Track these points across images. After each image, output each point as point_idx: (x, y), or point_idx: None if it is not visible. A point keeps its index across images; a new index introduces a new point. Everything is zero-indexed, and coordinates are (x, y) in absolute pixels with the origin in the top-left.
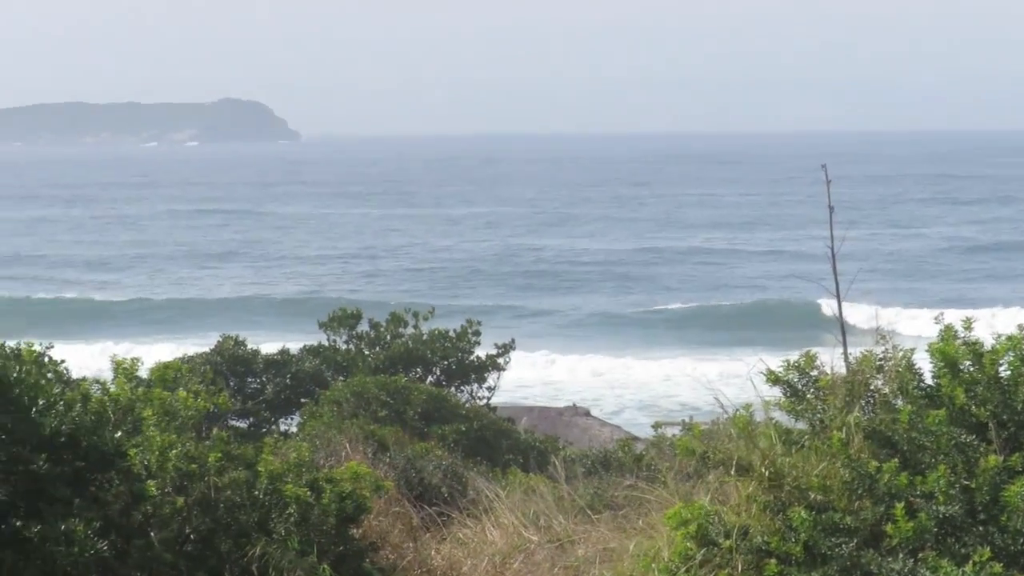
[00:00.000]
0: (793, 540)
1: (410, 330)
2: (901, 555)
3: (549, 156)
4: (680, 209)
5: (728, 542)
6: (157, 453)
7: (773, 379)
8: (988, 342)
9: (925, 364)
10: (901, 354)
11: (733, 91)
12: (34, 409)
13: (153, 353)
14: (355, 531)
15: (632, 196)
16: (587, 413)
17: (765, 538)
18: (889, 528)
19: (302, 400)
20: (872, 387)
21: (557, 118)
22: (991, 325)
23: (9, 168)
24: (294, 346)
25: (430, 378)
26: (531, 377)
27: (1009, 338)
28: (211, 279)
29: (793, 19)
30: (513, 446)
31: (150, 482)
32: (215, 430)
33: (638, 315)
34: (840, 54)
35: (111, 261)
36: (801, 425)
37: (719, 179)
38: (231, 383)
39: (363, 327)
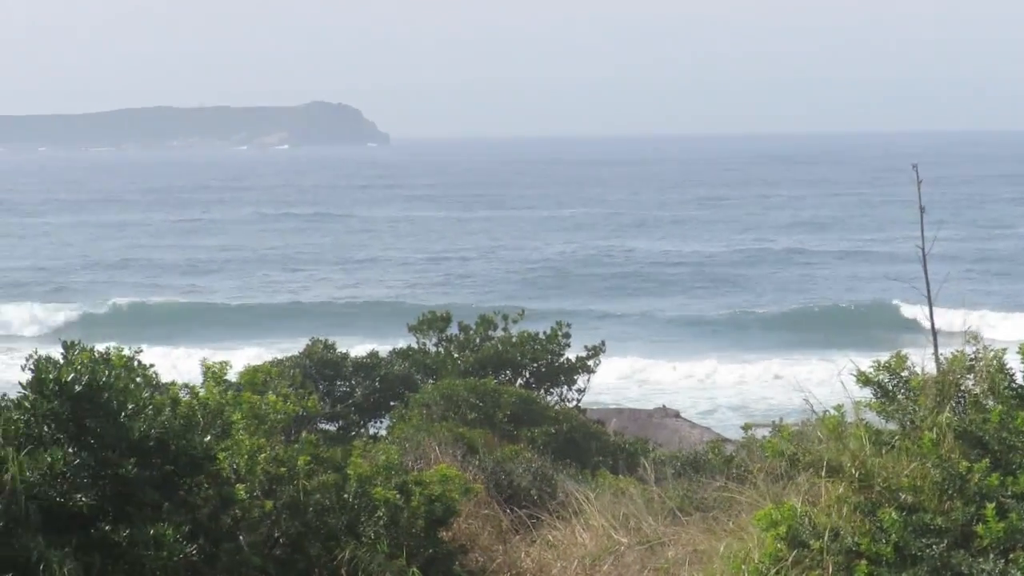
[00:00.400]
0: (883, 541)
1: (499, 333)
2: (992, 556)
3: (633, 158)
4: (766, 211)
5: (818, 543)
6: (246, 457)
7: (863, 380)
8: None
9: (1016, 365)
10: (992, 354)
11: (818, 90)
12: (123, 413)
13: (243, 357)
14: (444, 534)
15: (718, 197)
16: (677, 415)
17: (855, 539)
18: (980, 529)
19: (391, 403)
20: (963, 387)
21: (645, 119)
22: None
23: (98, 172)
24: (383, 349)
25: (519, 381)
26: (621, 379)
27: None
28: (301, 283)
29: (886, 20)
30: (603, 448)
31: (239, 486)
32: (304, 433)
33: (727, 317)
34: (929, 54)
35: (200, 265)
36: (891, 426)
37: (805, 180)
38: (320, 386)
39: (452, 330)
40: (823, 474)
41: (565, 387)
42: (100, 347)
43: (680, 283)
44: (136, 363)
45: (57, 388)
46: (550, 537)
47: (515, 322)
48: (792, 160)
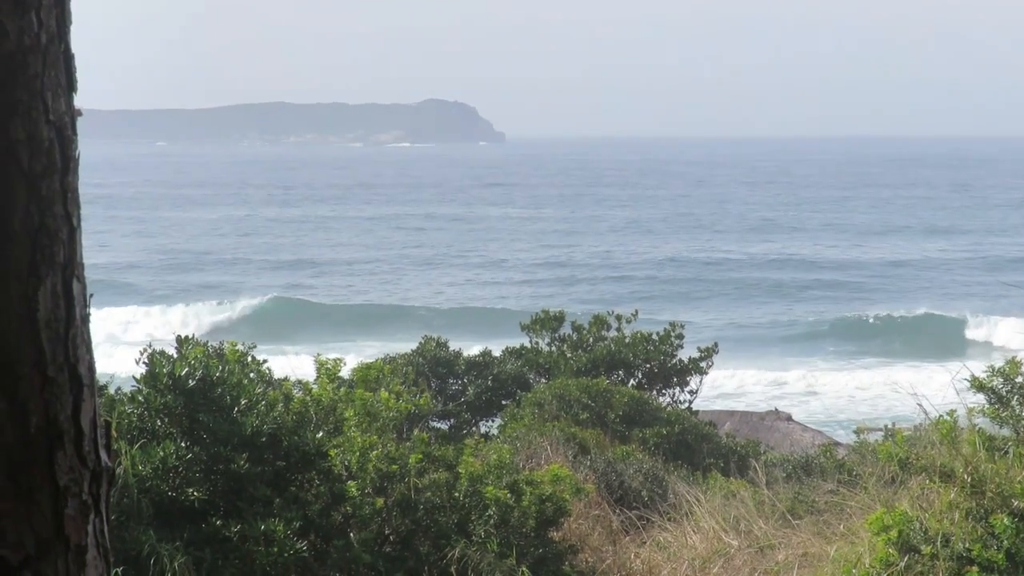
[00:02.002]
0: (995, 547)
1: (612, 333)
2: None
3: (750, 159)
4: (895, 215)
5: (930, 549)
6: (358, 454)
7: (977, 385)
8: None
9: None
10: None
11: (950, 93)
12: (236, 409)
13: (359, 357)
14: (555, 534)
15: (842, 199)
16: (789, 418)
17: (967, 545)
18: None
19: (503, 402)
20: None
21: (757, 120)
22: None
23: (220, 166)
24: (496, 348)
25: (632, 381)
26: (735, 382)
27: None
28: (419, 282)
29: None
30: (714, 450)
31: (350, 483)
32: (416, 431)
33: (842, 322)
34: None
35: (325, 263)
36: (1005, 431)
37: (937, 183)
38: (432, 384)
39: (566, 329)
40: (935, 479)
41: (677, 388)
42: (213, 343)
43: (797, 288)
44: (250, 358)
45: (171, 382)
46: (660, 538)
47: (628, 322)
48: (924, 163)
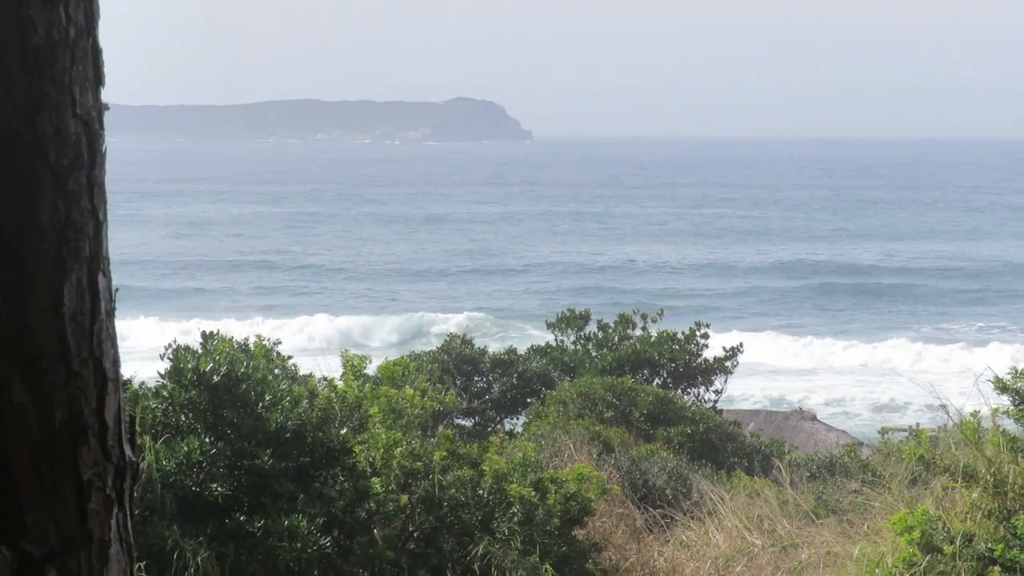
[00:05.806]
0: (1018, 548)
1: (638, 332)
2: None
3: (809, 158)
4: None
5: (952, 549)
6: (382, 450)
7: (1001, 387)
8: None
9: None
10: None
11: None
12: (260, 405)
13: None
14: (578, 532)
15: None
16: (813, 418)
17: (989, 545)
18: None
19: (528, 400)
20: None
21: (809, 121)
22: None
23: (259, 163)
24: (522, 346)
25: (657, 380)
26: (758, 381)
27: None
28: (444, 290)
29: None
30: (738, 449)
31: (375, 479)
32: (441, 428)
33: (868, 329)
34: None
35: (344, 267)
36: None
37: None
38: (457, 382)
39: (591, 328)
40: (959, 479)
41: (702, 387)
42: (238, 338)
43: (860, 295)
44: (275, 354)
45: (195, 378)
46: (684, 537)
47: (654, 321)
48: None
